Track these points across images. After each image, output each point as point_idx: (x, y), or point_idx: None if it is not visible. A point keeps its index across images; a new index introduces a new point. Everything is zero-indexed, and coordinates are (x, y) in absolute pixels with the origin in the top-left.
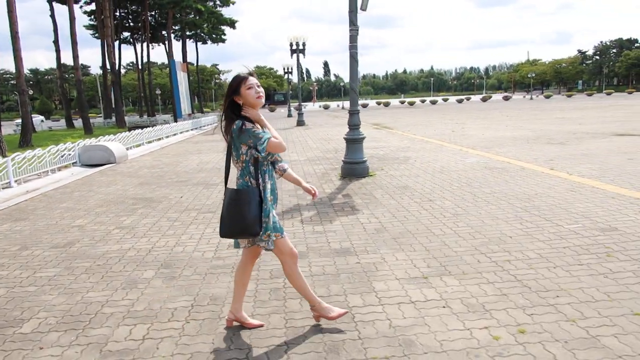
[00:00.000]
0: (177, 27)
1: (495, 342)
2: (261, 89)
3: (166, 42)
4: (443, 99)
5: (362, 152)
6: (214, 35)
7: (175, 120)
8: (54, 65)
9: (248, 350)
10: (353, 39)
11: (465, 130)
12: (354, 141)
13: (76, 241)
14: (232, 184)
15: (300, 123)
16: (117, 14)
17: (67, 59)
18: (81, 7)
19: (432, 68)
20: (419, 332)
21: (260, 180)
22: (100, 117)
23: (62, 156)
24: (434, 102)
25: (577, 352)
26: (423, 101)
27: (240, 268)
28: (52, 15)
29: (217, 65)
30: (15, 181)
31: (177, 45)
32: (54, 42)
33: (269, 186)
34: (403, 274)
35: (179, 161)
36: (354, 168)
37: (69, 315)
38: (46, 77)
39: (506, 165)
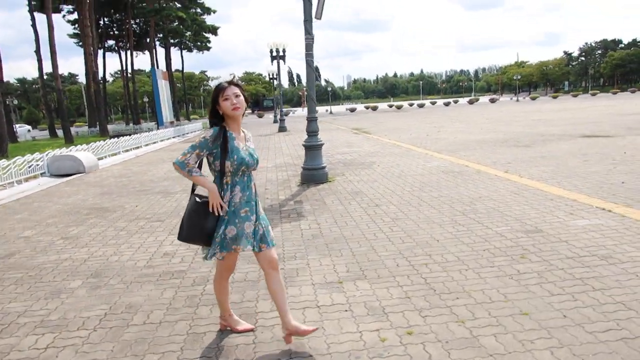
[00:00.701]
0: (160, 35)
1: (380, 344)
2: (239, 100)
3: (151, 50)
4: (431, 102)
5: (320, 158)
6: (198, 43)
7: (158, 128)
8: (49, 73)
9: (143, 356)
10: (309, 47)
11: (440, 134)
12: (312, 147)
13: (17, 252)
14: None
15: (282, 129)
16: (102, 22)
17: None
18: (64, 16)
19: (422, 71)
20: (312, 336)
21: (222, 192)
22: (86, 125)
23: (30, 167)
24: (421, 106)
25: (452, 351)
26: (411, 104)
27: (215, 279)
28: (34, 25)
29: (205, 72)
30: None
31: (163, 53)
32: (35, 51)
33: (237, 199)
34: (320, 279)
35: (148, 170)
36: (312, 174)
37: None
38: (34, 86)
39: (463, 168)
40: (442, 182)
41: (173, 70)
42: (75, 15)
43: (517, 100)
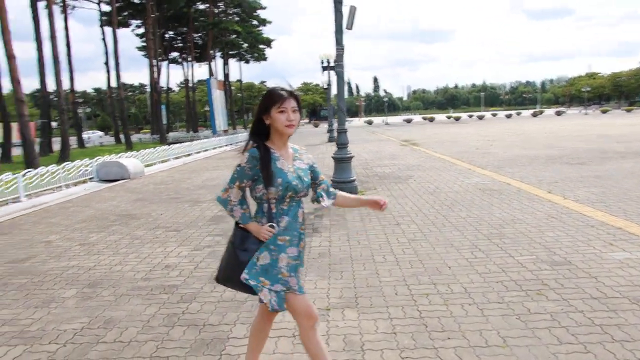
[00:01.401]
0: (219, 48)
1: None
2: (295, 117)
3: (209, 61)
4: (492, 114)
5: (350, 171)
6: (255, 54)
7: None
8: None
9: None
10: (339, 57)
11: (491, 148)
12: (341, 160)
13: (34, 257)
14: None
15: (332, 139)
16: (167, 35)
17: (127, 78)
18: (133, 30)
19: (484, 82)
20: None
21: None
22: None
23: (80, 172)
24: (481, 117)
25: None
26: (470, 116)
27: (255, 323)
28: (103, 39)
29: (264, 82)
30: (26, 196)
31: (230, 65)
32: (105, 63)
33: (282, 224)
34: None
35: (188, 177)
36: (340, 187)
37: None
38: (117, 95)
39: (504, 186)
40: (476, 200)
41: (234, 80)
42: (143, 29)
43: (586, 114)
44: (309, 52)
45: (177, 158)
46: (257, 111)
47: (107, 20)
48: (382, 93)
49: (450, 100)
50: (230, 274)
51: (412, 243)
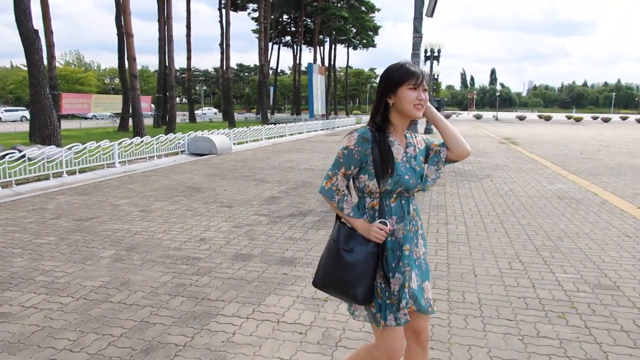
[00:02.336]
0: (327, 33)
1: None
2: (425, 97)
3: (315, 46)
4: (621, 117)
5: None
6: (364, 41)
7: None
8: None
9: (86, 334)
10: (416, 46)
11: (598, 154)
12: None
13: (97, 217)
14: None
15: (428, 131)
16: (282, 19)
17: (245, 59)
18: (249, 14)
19: (619, 81)
20: (243, 352)
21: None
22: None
23: (173, 145)
24: (606, 120)
25: None
26: (595, 118)
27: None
28: (221, 22)
29: (374, 69)
30: (120, 162)
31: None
32: (220, 44)
33: (396, 233)
34: (309, 293)
35: (269, 158)
36: None
37: (5, 276)
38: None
39: (589, 196)
40: (546, 209)
41: (342, 66)
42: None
43: None
44: (438, 42)
45: (269, 138)
46: (380, 90)
47: (228, 2)
48: (498, 87)
49: (575, 99)
50: (331, 277)
51: (450, 245)
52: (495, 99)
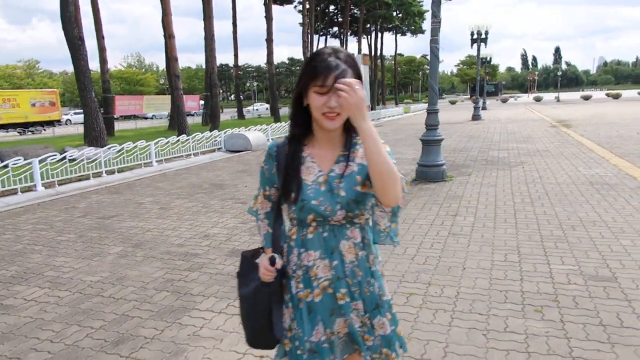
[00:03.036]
0: (372, 21)
1: None
2: (342, 102)
3: (360, 35)
4: None
5: (438, 154)
6: (412, 27)
7: None
8: (290, 58)
9: (70, 326)
10: (435, 32)
11: None
12: (429, 142)
13: (118, 215)
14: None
15: (476, 117)
16: (328, 10)
17: (296, 53)
18: (295, 7)
19: None
20: (203, 345)
21: (288, 253)
22: None
23: (209, 142)
24: None
25: None
26: None
27: None
28: (266, 17)
29: (425, 55)
30: (157, 161)
31: (386, 39)
32: (266, 40)
33: (307, 262)
34: None
35: None
36: (425, 172)
37: (20, 271)
38: (277, 69)
39: (625, 181)
40: (572, 196)
41: (391, 54)
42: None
43: None
44: (485, 23)
45: None
46: (296, 85)
47: None
48: (563, 66)
49: None
50: (250, 327)
51: (450, 237)
52: (560, 79)
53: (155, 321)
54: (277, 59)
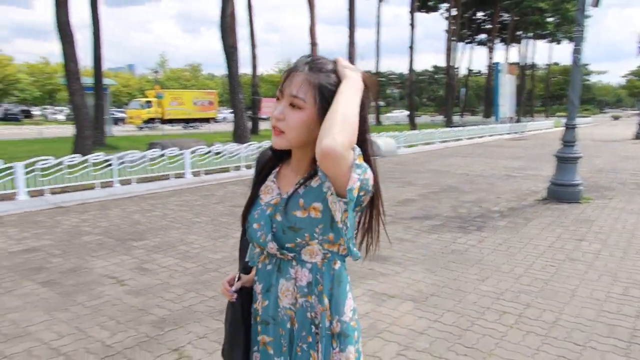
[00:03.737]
0: (523, 28)
1: None
2: (291, 117)
3: (508, 43)
4: None
5: (574, 173)
6: (569, 34)
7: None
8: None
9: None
10: (578, 41)
11: None
12: (564, 160)
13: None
14: None
15: (639, 136)
16: (475, 17)
17: (441, 60)
18: (441, 14)
19: None
20: None
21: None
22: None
23: None
24: None
25: None
26: None
27: None
28: (411, 24)
29: (587, 65)
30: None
31: (540, 46)
32: (409, 47)
33: (259, 304)
34: (382, 288)
35: (430, 160)
36: (558, 191)
37: (160, 243)
38: (420, 77)
39: None
40: None
41: (547, 63)
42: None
43: None
44: None
45: (443, 142)
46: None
47: (419, 5)
48: None
49: None
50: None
51: (566, 262)
52: None
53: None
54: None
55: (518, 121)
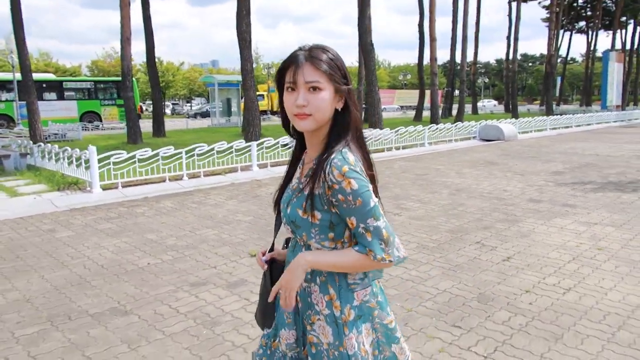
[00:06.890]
0: (631, 13)
1: None
2: (314, 100)
3: (614, 30)
4: None
5: None
6: None
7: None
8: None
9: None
10: None
11: None
12: None
13: (427, 174)
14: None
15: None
16: (575, 4)
17: (530, 48)
18: (539, 2)
19: None
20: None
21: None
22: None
23: (466, 131)
24: None
25: None
26: None
27: None
28: (510, 15)
29: None
30: (428, 143)
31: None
32: (507, 37)
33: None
34: (583, 220)
35: (553, 144)
36: None
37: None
38: (512, 67)
39: None
40: None
41: None
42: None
43: None
44: None
45: (553, 129)
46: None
47: None
48: None
49: None
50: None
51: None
52: None
53: (502, 223)
54: (503, 54)
55: (623, 110)
